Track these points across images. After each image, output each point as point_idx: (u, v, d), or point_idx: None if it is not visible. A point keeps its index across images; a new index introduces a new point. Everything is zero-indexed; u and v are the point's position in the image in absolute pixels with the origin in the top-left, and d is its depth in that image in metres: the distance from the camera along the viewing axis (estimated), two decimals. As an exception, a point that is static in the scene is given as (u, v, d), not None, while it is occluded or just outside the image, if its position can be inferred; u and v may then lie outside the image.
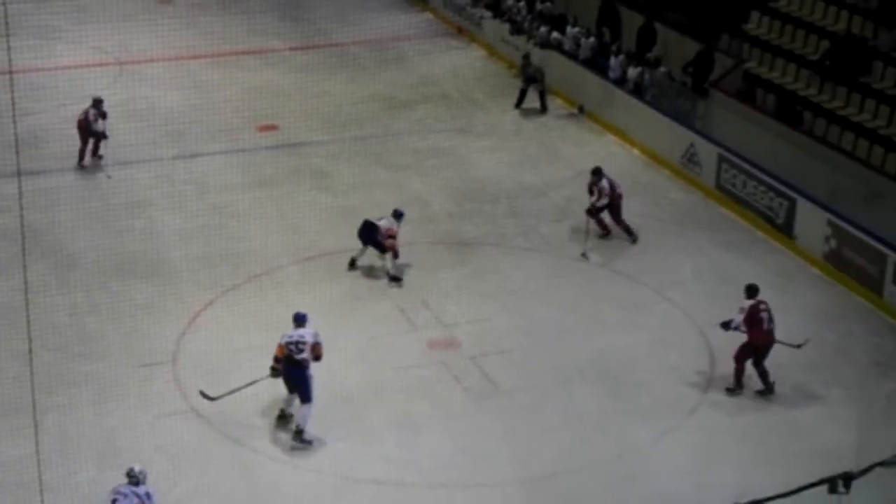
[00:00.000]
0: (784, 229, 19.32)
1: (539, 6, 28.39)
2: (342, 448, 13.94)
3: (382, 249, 17.87)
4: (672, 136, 22.30)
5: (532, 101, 25.23)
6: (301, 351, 13.89)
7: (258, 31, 28.55)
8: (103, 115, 21.43)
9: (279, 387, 14.27)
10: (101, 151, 21.74)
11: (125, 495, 11.72)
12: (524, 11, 28.72)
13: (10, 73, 14.43)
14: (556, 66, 25.97)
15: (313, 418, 14.01)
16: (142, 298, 17.14)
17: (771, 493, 10.43)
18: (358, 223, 18.00)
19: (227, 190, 20.80)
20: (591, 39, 26.06)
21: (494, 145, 23.56)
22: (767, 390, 15.13)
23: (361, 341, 16.04)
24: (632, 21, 25.69)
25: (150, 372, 15.34)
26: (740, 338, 15.12)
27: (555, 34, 26.77)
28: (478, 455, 13.98)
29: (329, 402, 14.60)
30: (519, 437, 14.34)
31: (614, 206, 19.18)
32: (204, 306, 16.96)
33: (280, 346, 14.00)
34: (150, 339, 16.03)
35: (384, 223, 17.94)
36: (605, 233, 19.31)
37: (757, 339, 15.02)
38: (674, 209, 20.85)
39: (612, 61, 24.79)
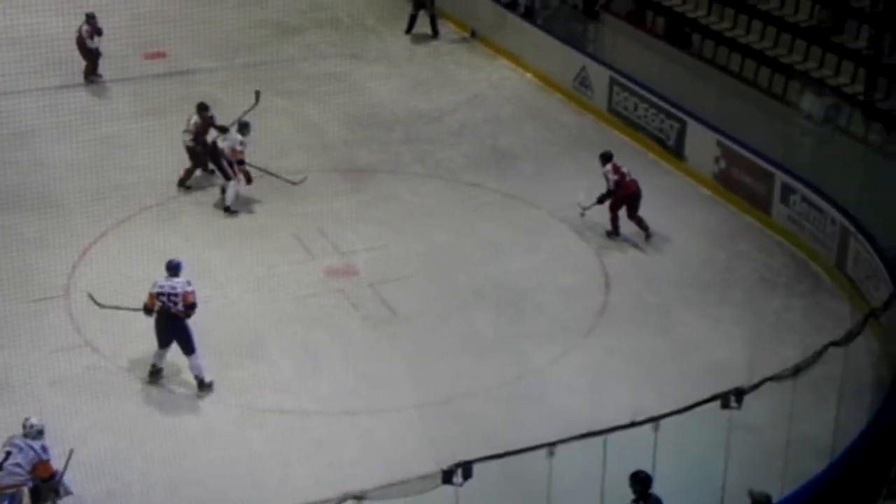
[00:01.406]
0: (675, 151, 19.61)
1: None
2: (242, 378, 13.87)
3: (227, 176, 17.41)
4: (564, 59, 22.38)
5: (423, 26, 25.08)
6: (176, 304, 13.37)
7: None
8: (98, 32, 20.90)
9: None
10: (100, 70, 21.38)
11: (20, 448, 11.16)
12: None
13: None
14: (447, -10, 25.79)
15: (210, 349, 13.93)
16: (31, 232, 16.77)
17: (666, 411, 10.69)
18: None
19: (116, 119, 20.35)
20: (482, -37, 25.88)
21: (387, 71, 23.42)
22: (648, 234, 16.96)
23: (259, 271, 15.93)
24: (522, -57, 25.58)
25: (42, 307, 15.07)
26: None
27: (446, -43, 26.53)
28: (378, 381, 14.06)
29: (228, 334, 14.54)
30: (418, 362, 14.44)
31: (630, 197, 17.09)
32: (95, 239, 16.67)
33: (151, 296, 13.44)
34: (41, 274, 15.68)
35: (226, 144, 17.39)
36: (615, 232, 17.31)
37: (626, 190, 16.72)
38: (566, 133, 20.99)
39: (504, -16, 24.71)
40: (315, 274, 16.10)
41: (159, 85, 21.71)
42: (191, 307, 13.39)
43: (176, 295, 13.39)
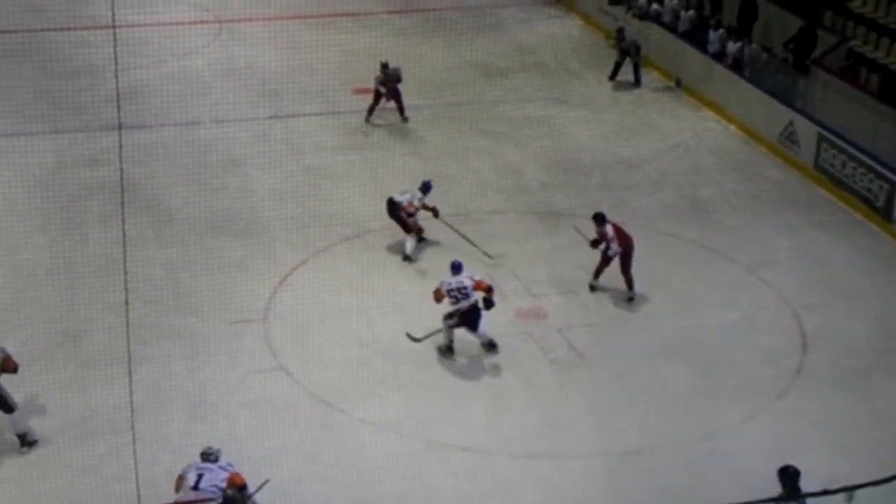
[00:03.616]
0: (883, 212, 18.93)
1: (640, -23, 28.05)
2: (428, 413, 14.01)
3: (407, 229, 17.70)
4: (771, 113, 21.94)
5: (627, 73, 25.00)
6: (468, 296, 14.80)
7: (357, -7, 28.68)
8: (389, 81, 22.11)
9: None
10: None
11: (210, 469, 11.58)
12: (624, -19, 28.41)
13: (114, 27, 14.57)
14: (654, 39, 25.67)
15: (398, 383, 14.20)
16: (235, 256, 17.37)
17: (857, 481, 10.28)
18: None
19: (322, 151, 20.96)
20: (691, 12, 25.71)
21: (589, 116, 23.42)
22: (632, 295, 16.49)
23: (437, 310, 15.96)
24: (734, -6, 25.29)
25: (241, 329, 15.54)
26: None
27: (654, 6, 26.47)
28: (562, 427, 13.96)
29: (416, 368, 14.70)
30: (603, 410, 14.28)
31: (626, 254, 16.52)
32: (295, 266, 17.12)
33: (439, 291, 14.87)
34: (241, 297, 16.20)
35: (405, 198, 17.70)
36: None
37: (626, 245, 16.33)
38: (770, 187, 20.54)
39: (712, 35, 24.44)
40: (505, 315, 16.11)
41: (362, 119, 22.23)
42: (489, 290, 14.99)
43: (465, 288, 14.86)
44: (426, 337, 14.99)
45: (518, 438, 13.71)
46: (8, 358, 13.09)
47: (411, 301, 16.17)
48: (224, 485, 11.46)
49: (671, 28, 25.83)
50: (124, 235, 13.33)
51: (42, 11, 26.18)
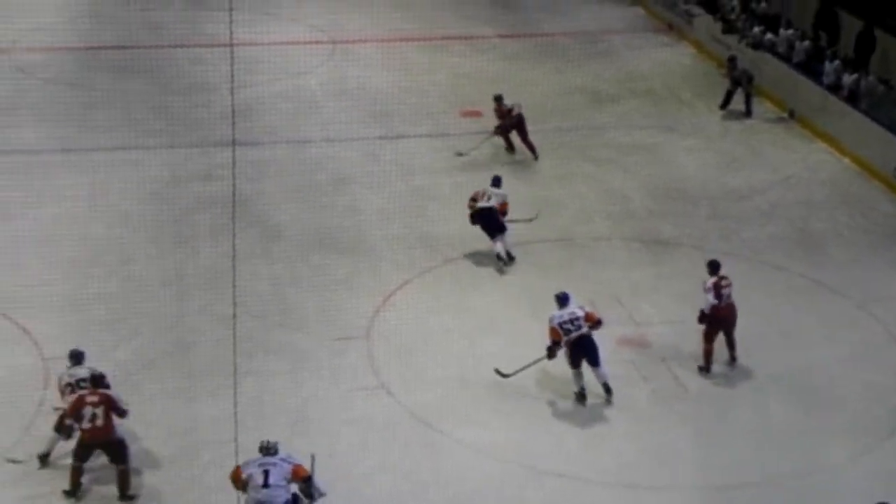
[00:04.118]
0: None
1: (754, 6, 27.76)
2: (526, 438, 13.98)
3: (500, 230, 17.82)
4: (886, 146, 21.49)
5: (738, 103, 24.73)
6: (580, 327, 14.39)
7: (468, 17, 28.89)
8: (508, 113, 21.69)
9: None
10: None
11: (274, 464, 11.67)
12: (738, 10, 28.13)
13: (231, 45, 14.84)
14: (768, 69, 25.36)
15: (495, 409, 14.22)
16: (340, 273, 17.54)
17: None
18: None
19: (430, 173, 21.08)
20: (806, 43, 25.32)
21: (699, 145, 23.20)
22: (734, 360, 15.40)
23: (539, 333, 15.83)
24: (851, 26, 24.81)
25: (344, 346, 15.67)
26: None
27: (768, 35, 26.15)
28: (661, 458, 13.80)
29: (516, 392, 14.67)
30: (704, 443, 14.08)
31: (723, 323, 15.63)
32: (399, 285, 17.23)
33: (554, 330, 14.41)
34: (345, 314, 16.35)
35: (496, 200, 17.88)
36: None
37: (727, 310, 15.11)
38: (884, 222, 20.11)
39: (827, 66, 24.03)
40: (606, 341, 15.97)
41: (473, 142, 22.34)
42: (598, 324, 14.57)
43: (577, 318, 14.44)
44: (515, 373, 14.74)
45: (616, 468, 13.60)
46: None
47: (514, 324, 16.18)
48: (290, 477, 11.55)
49: (785, 58, 25.47)
50: (234, 250, 13.55)
51: (161, 29, 26.84)
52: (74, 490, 12.71)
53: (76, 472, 12.70)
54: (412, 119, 23.20)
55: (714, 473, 13.53)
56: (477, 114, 23.47)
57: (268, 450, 11.80)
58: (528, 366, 14.66)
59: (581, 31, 28.59)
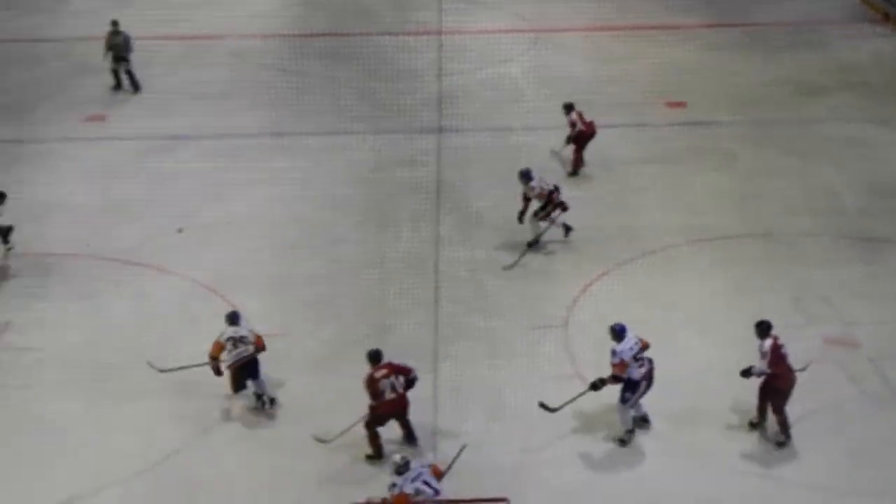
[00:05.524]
0: None
1: (978, -5, 26.48)
2: (724, 437, 13.83)
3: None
4: None
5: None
6: (644, 357, 13.74)
7: (671, 7, 28.45)
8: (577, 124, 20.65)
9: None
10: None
11: (419, 474, 11.98)
12: (961, 0, 26.91)
13: (441, 33, 15.04)
14: None
15: (695, 410, 14.01)
16: (538, 262, 17.59)
17: None
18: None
19: (628, 163, 20.90)
20: None
21: (917, 140, 22.26)
22: (787, 438, 13.71)
23: (741, 331, 14.87)
24: None
25: (541, 335, 15.72)
26: None
27: None
28: (866, 462, 13.39)
29: (714, 386, 14.48)
30: (914, 450, 13.61)
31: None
32: (597, 276, 17.17)
33: (624, 364, 13.44)
34: (543, 303, 16.43)
35: (535, 191, 17.69)
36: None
37: (783, 380, 13.56)
38: None
39: None
40: (812, 340, 15.50)
41: (675, 133, 22.04)
42: (646, 348, 13.80)
43: (642, 349, 13.63)
44: (561, 407, 13.92)
45: (817, 470, 13.27)
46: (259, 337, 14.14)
47: (714, 320, 15.93)
48: (433, 479, 11.96)
49: None
50: (437, 236, 13.72)
51: (370, 16, 27.42)
52: (378, 453, 13.41)
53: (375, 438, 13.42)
54: (611, 108, 22.94)
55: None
56: (681, 105, 23.14)
57: (405, 466, 12.04)
58: (574, 399, 13.94)
59: (789, 21, 27.83)
